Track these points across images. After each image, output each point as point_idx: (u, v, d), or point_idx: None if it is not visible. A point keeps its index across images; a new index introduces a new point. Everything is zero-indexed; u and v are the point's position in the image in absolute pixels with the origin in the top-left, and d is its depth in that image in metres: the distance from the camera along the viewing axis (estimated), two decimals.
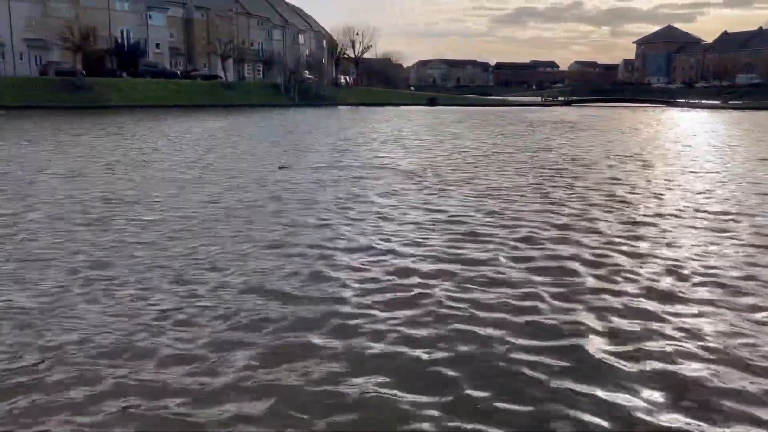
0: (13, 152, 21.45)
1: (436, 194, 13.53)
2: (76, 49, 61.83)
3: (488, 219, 10.96)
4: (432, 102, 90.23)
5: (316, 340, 5.70)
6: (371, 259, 8.31)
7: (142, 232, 9.81)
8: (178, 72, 75.53)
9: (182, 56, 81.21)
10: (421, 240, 9.37)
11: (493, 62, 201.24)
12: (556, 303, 6.67)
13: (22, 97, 55.37)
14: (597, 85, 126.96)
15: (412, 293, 6.95)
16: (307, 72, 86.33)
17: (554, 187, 14.68)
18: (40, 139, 26.92)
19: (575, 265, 8.05)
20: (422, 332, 5.87)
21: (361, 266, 7.97)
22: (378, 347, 5.55)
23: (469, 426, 4.33)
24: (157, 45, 76.38)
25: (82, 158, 19.83)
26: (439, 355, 5.40)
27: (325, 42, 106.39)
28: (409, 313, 6.37)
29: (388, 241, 9.29)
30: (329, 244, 9.09)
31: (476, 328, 5.97)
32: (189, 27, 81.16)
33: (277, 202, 12.53)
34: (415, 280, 7.44)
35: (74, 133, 30.13)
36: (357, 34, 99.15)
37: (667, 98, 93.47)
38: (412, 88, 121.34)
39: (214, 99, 67.13)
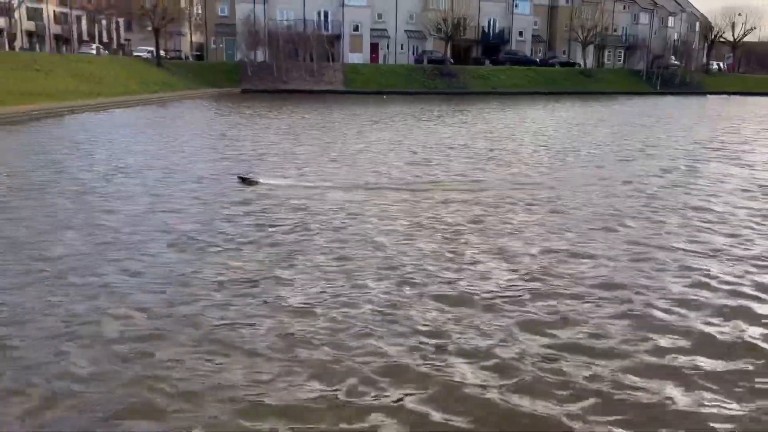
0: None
1: None
2: (447, 38, 67.05)
3: None
4: None
5: None
6: None
7: None
8: (537, 59, 76.68)
9: (543, 43, 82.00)
10: None
11: None
12: None
13: (401, 83, 62.85)
14: None
15: None
16: (673, 58, 79.82)
17: None
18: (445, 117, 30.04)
19: None
20: None
21: None
22: None
23: None
24: (521, 33, 78.38)
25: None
26: None
27: (698, 24, 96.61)
28: None
29: None
30: None
31: None
32: (553, 14, 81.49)
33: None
34: None
35: (476, 113, 32.95)
36: (738, 14, 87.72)
37: None
38: None
39: (573, 86, 66.79)
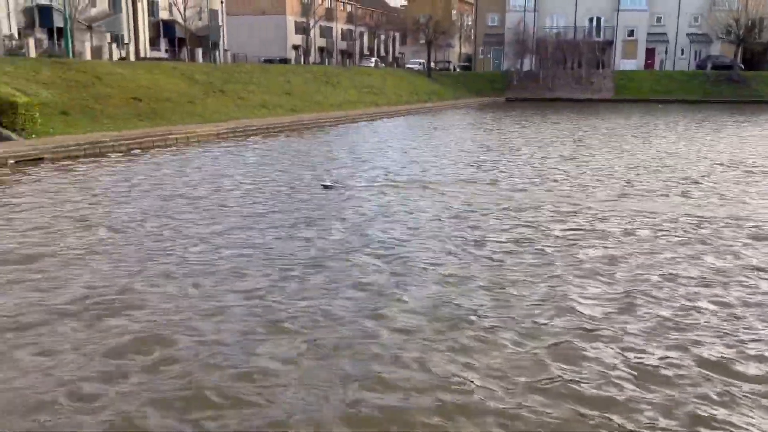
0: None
1: None
2: (738, 41, 59.93)
3: None
4: None
5: None
6: None
7: None
8: None
9: None
10: None
11: None
12: None
13: (679, 90, 57.91)
14: None
15: None
16: None
17: None
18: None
19: None
20: None
21: None
22: None
23: None
24: None
25: None
26: None
27: None
28: None
29: None
30: None
31: None
32: None
33: None
34: None
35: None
36: None
37: None
38: None
39: None
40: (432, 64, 67.36)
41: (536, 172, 17.49)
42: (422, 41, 68.67)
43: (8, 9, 37.85)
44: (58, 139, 20.41)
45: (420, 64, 69.59)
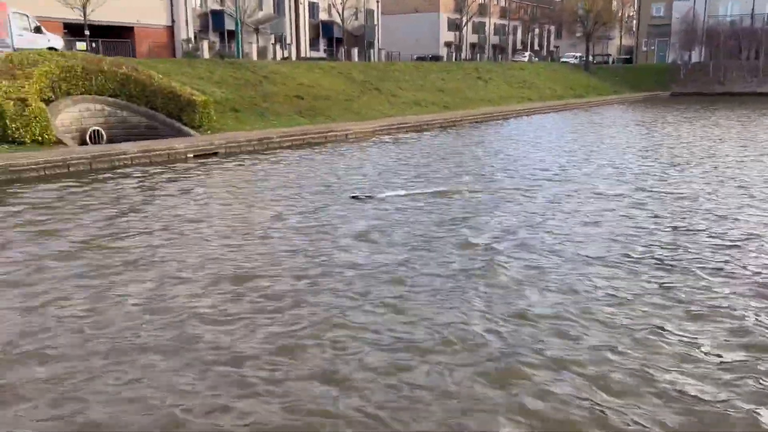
0: None
1: None
2: None
3: None
4: None
5: None
6: None
7: None
8: None
9: None
10: None
11: None
12: None
13: None
14: None
15: None
16: None
17: None
18: None
19: None
20: None
21: None
22: None
23: None
24: None
25: None
26: None
27: None
28: None
29: None
30: None
31: None
32: None
33: None
34: None
35: None
36: None
37: None
38: None
39: None
40: (590, 58, 64.50)
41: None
42: (579, 34, 65.96)
43: (186, 15, 41.26)
44: (229, 135, 21.86)
45: (576, 57, 66.92)
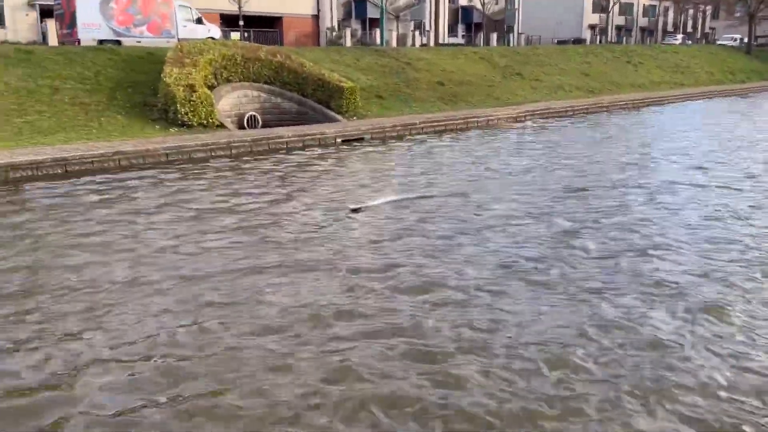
0: None
1: None
2: None
3: None
4: None
5: None
6: None
7: None
8: None
9: None
10: None
11: None
12: None
13: None
14: None
15: None
16: None
17: None
18: None
19: None
20: None
21: None
22: None
23: None
24: None
25: None
26: None
27: None
28: None
29: None
30: None
31: None
32: None
33: None
34: None
35: None
36: None
37: None
38: None
39: None
40: (752, 40, 59.04)
41: None
42: (738, 14, 60.58)
43: (331, 4, 42.37)
44: (374, 121, 22.18)
45: (735, 39, 61.49)
